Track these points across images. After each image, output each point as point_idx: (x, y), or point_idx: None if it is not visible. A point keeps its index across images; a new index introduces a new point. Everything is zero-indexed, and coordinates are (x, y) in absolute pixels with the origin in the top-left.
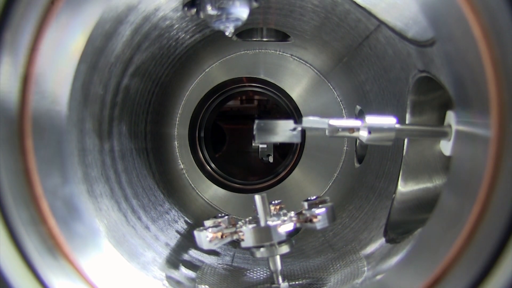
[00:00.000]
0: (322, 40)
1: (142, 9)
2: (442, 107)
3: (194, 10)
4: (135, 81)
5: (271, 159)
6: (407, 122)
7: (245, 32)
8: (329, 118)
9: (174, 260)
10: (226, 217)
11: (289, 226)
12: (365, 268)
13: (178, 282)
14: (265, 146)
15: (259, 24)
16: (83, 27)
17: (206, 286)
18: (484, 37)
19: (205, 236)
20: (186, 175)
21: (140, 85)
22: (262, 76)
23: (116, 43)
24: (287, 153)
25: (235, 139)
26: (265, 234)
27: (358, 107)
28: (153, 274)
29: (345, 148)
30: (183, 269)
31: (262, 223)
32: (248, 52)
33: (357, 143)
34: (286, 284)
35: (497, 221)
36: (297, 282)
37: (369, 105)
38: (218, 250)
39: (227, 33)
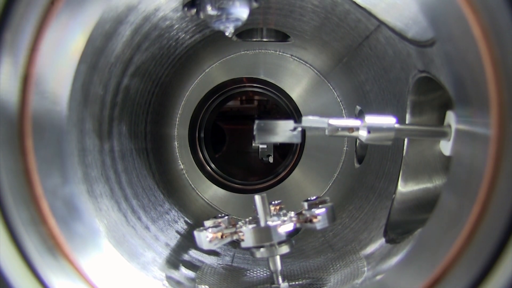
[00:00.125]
0: (322, 40)
1: (142, 9)
2: (442, 107)
3: (194, 10)
4: (135, 81)
5: (271, 160)
6: (407, 122)
7: (245, 32)
8: (328, 118)
9: (174, 260)
10: (226, 217)
11: (289, 226)
12: (365, 268)
13: (178, 282)
14: (265, 146)
15: (259, 25)
16: (83, 27)
17: (206, 286)
18: (484, 37)
19: (205, 236)
20: (186, 175)
21: (140, 85)
22: (262, 77)
23: (116, 43)
24: (287, 154)
25: (235, 140)
26: (265, 234)
27: (358, 107)
28: (153, 274)
29: (345, 148)
30: (183, 269)
31: (262, 224)
32: (248, 52)
33: (357, 143)
34: (286, 284)
35: (497, 221)
36: (297, 282)
37: (369, 105)
38: (218, 250)
39: (227, 33)
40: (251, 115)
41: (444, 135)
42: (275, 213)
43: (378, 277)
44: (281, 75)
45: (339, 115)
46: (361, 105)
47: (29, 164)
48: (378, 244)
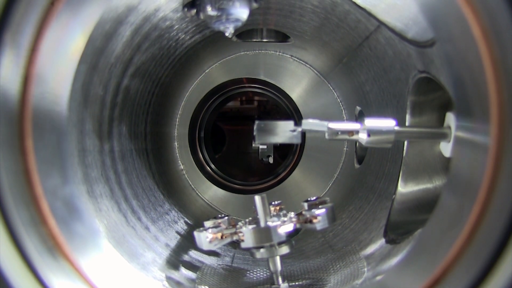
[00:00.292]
0: (322, 41)
1: (142, 10)
2: (442, 108)
3: (194, 11)
4: (135, 82)
5: (271, 160)
6: (407, 122)
7: (245, 33)
8: (328, 121)
9: (174, 260)
10: (226, 217)
11: (289, 227)
12: (365, 269)
13: (178, 283)
14: (265, 147)
15: (259, 25)
16: (83, 28)
17: (206, 287)
18: (484, 37)
19: (205, 237)
20: (186, 175)
21: (140, 85)
22: (262, 77)
23: (116, 44)
24: (287, 154)
25: (235, 140)
26: (265, 235)
27: (358, 108)
28: (153, 275)
29: (345, 149)
30: (183, 270)
31: (262, 224)
32: (248, 53)
33: (357, 144)
34: (286, 284)
35: (497, 221)
36: (297, 283)
37: (369, 106)
38: (218, 250)
39: (227, 34)
40: (251, 116)
41: (444, 136)
42: (275, 213)
43: (378, 278)
44: (281, 76)
45: (339, 116)
46: (361, 105)
47: (29, 165)
48: (378, 244)
